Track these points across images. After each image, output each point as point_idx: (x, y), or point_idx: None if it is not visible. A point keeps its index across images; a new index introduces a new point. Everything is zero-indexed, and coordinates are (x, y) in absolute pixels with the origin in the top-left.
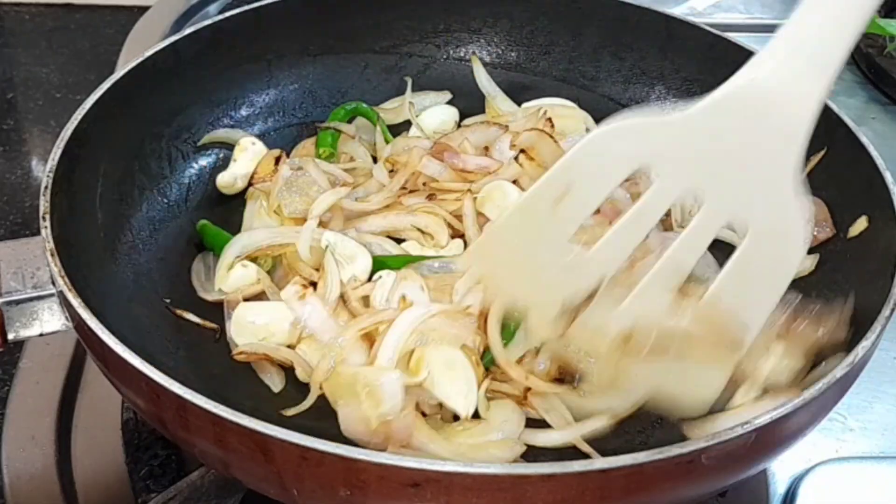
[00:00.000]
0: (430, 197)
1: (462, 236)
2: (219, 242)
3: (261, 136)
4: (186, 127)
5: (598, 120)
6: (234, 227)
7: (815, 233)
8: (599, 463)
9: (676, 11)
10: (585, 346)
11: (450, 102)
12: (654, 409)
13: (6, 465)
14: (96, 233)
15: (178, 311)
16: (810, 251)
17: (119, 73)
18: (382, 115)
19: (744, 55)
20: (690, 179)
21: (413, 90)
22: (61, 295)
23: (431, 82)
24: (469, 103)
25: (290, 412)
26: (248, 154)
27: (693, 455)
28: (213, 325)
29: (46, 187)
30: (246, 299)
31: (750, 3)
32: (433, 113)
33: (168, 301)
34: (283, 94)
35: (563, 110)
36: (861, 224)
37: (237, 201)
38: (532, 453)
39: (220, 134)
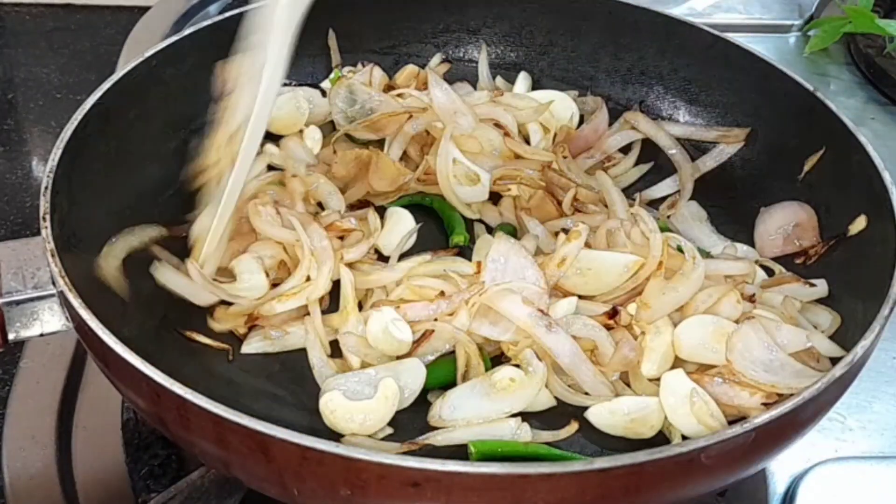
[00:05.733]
0: None
1: None
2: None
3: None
4: (186, 127)
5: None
6: None
7: (799, 241)
8: (599, 463)
9: (676, 12)
10: None
11: None
12: None
13: (7, 464)
14: (97, 233)
15: (188, 334)
16: (796, 255)
17: (119, 73)
18: None
19: (743, 55)
20: None
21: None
22: (62, 295)
23: None
24: None
25: None
26: None
27: (692, 454)
28: (225, 346)
29: (47, 187)
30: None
31: (749, 3)
32: None
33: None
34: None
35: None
36: (860, 223)
37: None
38: None
39: None
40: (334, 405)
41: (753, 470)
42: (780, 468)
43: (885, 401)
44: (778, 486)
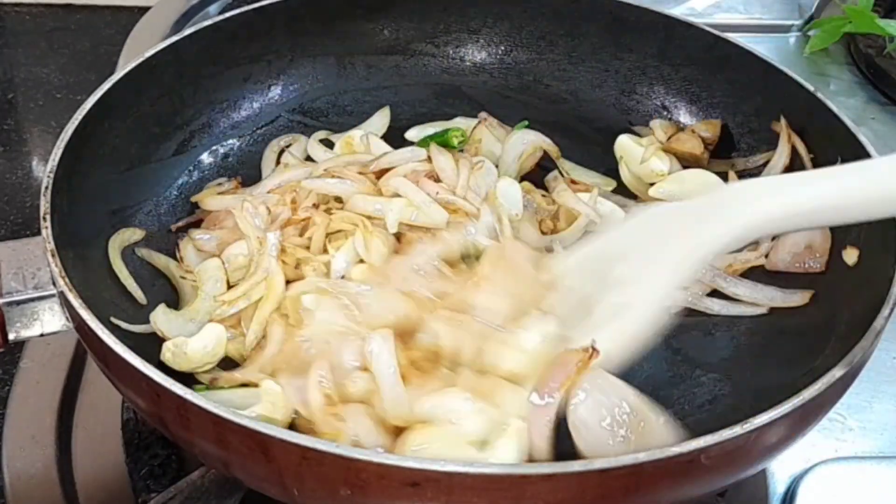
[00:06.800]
0: None
1: None
2: None
3: (260, 137)
4: (187, 127)
5: (592, 122)
6: None
7: (807, 263)
8: (599, 463)
9: (676, 12)
10: None
11: (443, 104)
12: None
13: (7, 464)
14: (97, 233)
15: None
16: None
17: (119, 73)
18: None
19: (743, 55)
20: None
21: (409, 90)
22: (62, 295)
23: (428, 82)
24: (461, 106)
25: None
26: None
27: (693, 455)
28: None
29: (47, 187)
30: None
31: (750, 3)
32: None
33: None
34: (284, 95)
35: None
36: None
37: None
38: None
39: None
40: (176, 348)
41: (753, 470)
42: (780, 468)
43: (885, 401)
44: (778, 486)
